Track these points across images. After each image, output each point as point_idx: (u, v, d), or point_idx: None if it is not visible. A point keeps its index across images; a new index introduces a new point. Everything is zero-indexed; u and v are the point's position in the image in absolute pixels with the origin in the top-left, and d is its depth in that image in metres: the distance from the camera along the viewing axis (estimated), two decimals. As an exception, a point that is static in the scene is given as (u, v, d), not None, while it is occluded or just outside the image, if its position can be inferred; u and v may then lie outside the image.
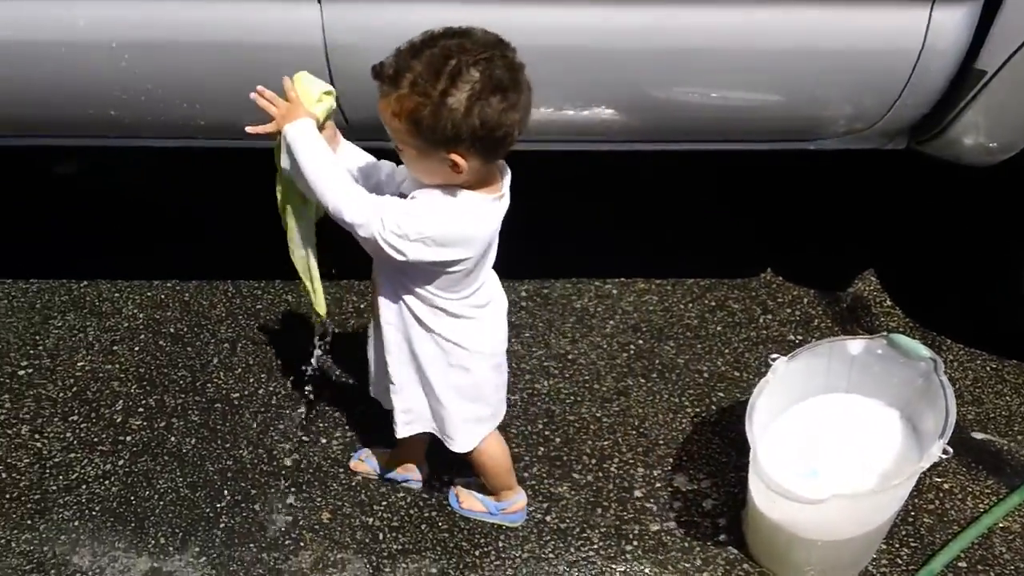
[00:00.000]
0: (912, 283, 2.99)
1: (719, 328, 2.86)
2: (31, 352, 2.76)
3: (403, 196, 1.86)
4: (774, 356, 2.26)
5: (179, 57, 2.24)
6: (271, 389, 2.67)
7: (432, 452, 2.36)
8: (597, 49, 2.24)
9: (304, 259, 2.08)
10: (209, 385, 2.68)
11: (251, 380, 2.69)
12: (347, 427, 2.57)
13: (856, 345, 2.31)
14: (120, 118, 2.34)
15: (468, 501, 2.39)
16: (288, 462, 2.49)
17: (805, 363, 2.29)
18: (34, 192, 3.22)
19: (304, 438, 2.55)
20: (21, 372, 2.70)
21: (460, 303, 1.96)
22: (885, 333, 2.31)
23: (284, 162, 1.88)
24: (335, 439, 2.54)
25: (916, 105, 2.31)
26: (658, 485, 2.47)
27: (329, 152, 1.86)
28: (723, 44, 2.24)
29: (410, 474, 2.43)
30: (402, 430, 2.17)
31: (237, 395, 2.65)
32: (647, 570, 2.29)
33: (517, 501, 2.37)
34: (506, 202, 1.89)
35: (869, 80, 2.30)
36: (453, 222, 1.81)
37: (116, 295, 2.93)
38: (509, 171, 1.89)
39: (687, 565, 2.30)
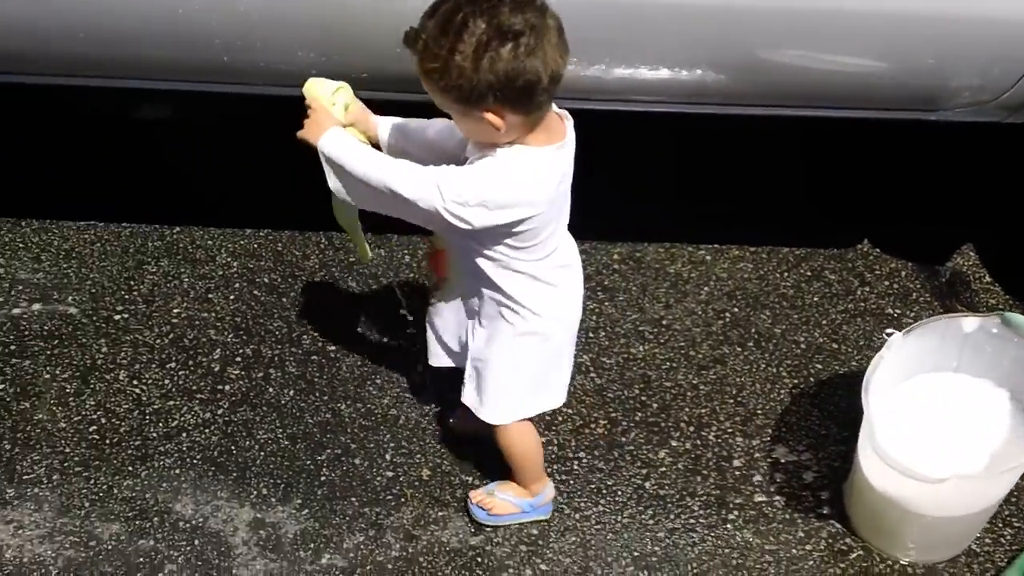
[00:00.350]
0: (1012, 259, 2.91)
1: (816, 299, 2.80)
2: (126, 297, 2.74)
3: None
4: (889, 331, 2.21)
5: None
6: (367, 343, 2.64)
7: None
8: (713, 7, 2.18)
9: (348, 214, 2.02)
10: (305, 337, 2.65)
11: (346, 333, 2.67)
12: (444, 383, 2.54)
13: (971, 323, 2.26)
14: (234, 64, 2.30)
15: (498, 506, 2.26)
16: (387, 417, 2.47)
17: (918, 339, 2.23)
18: (120, 136, 3.18)
19: (402, 393, 2.53)
20: (117, 317, 2.69)
21: (539, 265, 1.88)
22: (1000, 311, 2.25)
23: (331, 182, 1.81)
24: (432, 395, 2.52)
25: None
26: (757, 456, 2.43)
27: (365, 148, 1.81)
28: (849, 6, 2.17)
29: None
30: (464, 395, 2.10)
31: (333, 348, 2.63)
32: (750, 540, 2.26)
33: (547, 492, 2.27)
34: (570, 151, 1.79)
35: (999, 50, 2.23)
36: (511, 181, 1.72)
37: (209, 243, 2.90)
38: (570, 118, 1.80)
39: (789, 537, 2.27)
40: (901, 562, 2.23)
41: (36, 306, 2.70)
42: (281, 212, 2.94)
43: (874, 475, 2.16)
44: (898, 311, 2.77)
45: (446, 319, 2.09)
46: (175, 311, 2.71)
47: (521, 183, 1.73)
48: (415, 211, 1.74)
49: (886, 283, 2.85)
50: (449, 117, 1.79)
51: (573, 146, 1.80)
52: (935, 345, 2.28)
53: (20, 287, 2.75)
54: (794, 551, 2.25)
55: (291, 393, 2.52)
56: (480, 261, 1.86)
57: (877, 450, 2.04)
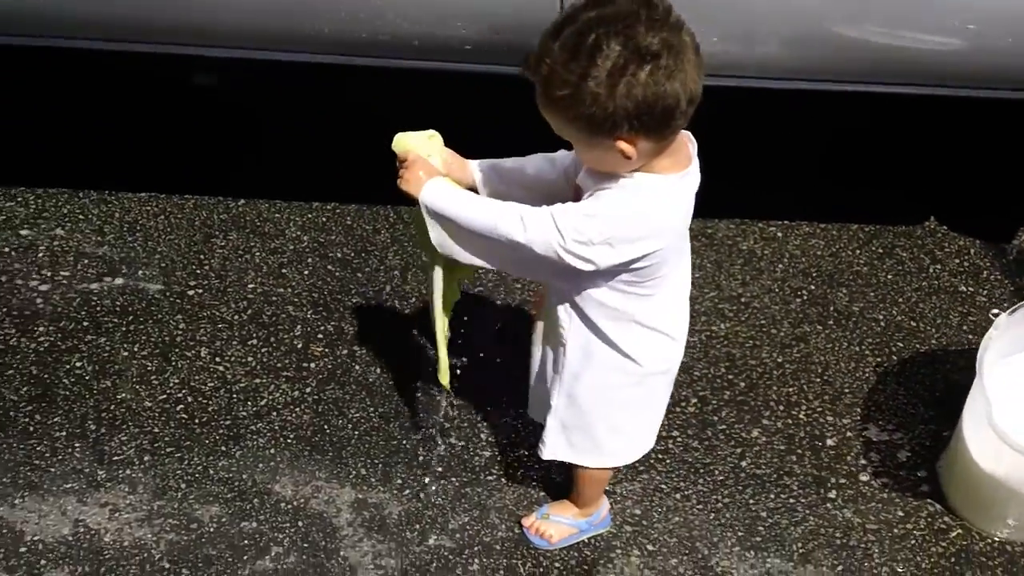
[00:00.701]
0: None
1: (890, 276, 2.79)
2: (197, 272, 2.66)
3: (569, 177, 1.71)
4: (995, 311, 2.20)
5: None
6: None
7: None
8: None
9: (437, 322, 1.91)
10: (384, 313, 2.59)
11: (426, 311, 2.60)
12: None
13: (1071, 302, 2.26)
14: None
15: (557, 533, 2.16)
16: (480, 396, 2.42)
17: (1020, 319, 2.23)
18: (172, 104, 3.07)
19: (492, 372, 2.48)
20: (191, 292, 2.60)
21: (650, 307, 1.72)
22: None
23: (434, 235, 1.69)
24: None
25: None
26: (850, 435, 2.42)
27: (470, 194, 1.69)
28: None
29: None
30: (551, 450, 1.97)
31: (415, 325, 2.57)
32: (851, 519, 2.25)
33: (604, 506, 2.19)
34: (695, 177, 1.63)
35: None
36: (638, 213, 1.56)
37: (276, 215, 2.82)
38: (694, 141, 1.64)
39: (889, 516, 2.27)
40: (996, 538, 2.24)
41: (106, 281, 2.61)
42: (347, 185, 2.86)
43: (980, 453, 2.16)
44: (971, 289, 2.76)
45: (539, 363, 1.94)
46: (250, 286, 2.63)
47: (649, 215, 1.58)
48: (529, 256, 1.59)
49: (956, 261, 2.84)
50: (553, 149, 1.68)
51: (698, 172, 1.65)
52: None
53: (86, 260, 2.66)
54: (895, 530, 2.24)
55: (377, 371, 2.46)
56: (585, 305, 1.71)
57: (995, 428, 2.03)
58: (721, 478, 2.32)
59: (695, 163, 1.64)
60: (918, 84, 2.47)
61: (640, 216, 1.58)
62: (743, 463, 2.35)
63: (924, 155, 3.14)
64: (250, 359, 2.47)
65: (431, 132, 1.76)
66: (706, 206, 2.83)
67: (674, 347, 1.85)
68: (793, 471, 2.34)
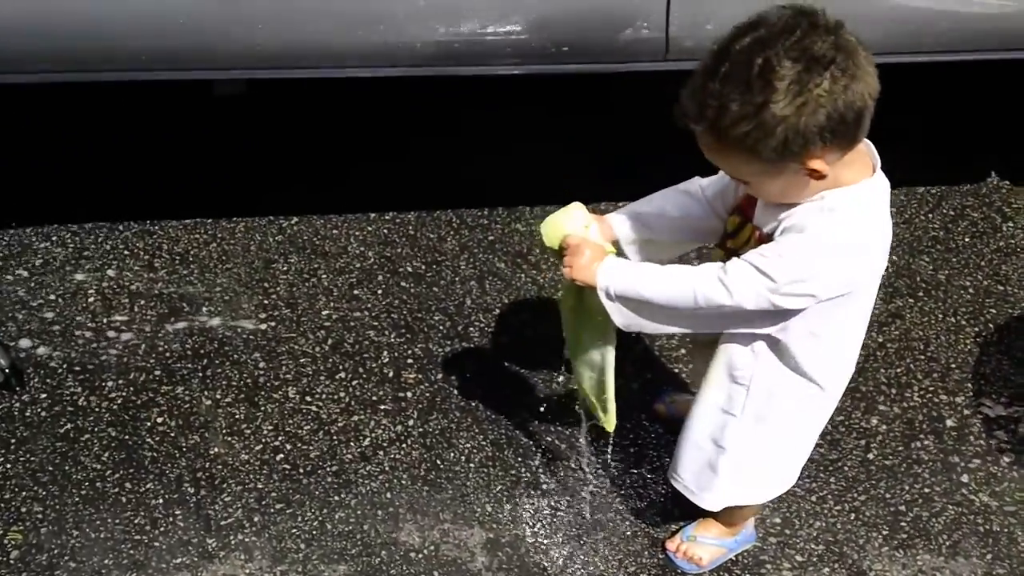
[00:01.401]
0: None
1: (967, 239, 2.65)
2: (265, 303, 2.39)
3: (717, 212, 1.58)
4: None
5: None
6: (538, 330, 2.37)
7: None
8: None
9: (594, 378, 1.71)
10: (472, 330, 2.37)
11: (513, 321, 2.39)
12: (655, 371, 2.30)
13: None
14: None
15: (708, 554, 1.96)
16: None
17: None
18: (194, 117, 2.78)
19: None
20: (263, 326, 2.35)
21: (845, 328, 1.56)
22: None
23: (620, 319, 1.51)
24: (634, 381, 2.28)
25: None
26: (967, 412, 2.28)
27: (650, 267, 1.51)
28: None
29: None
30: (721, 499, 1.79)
31: (506, 339, 2.35)
32: (988, 503, 2.12)
33: (750, 522, 2.01)
34: (885, 182, 1.46)
35: None
36: (845, 234, 1.41)
37: (334, 231, 2.56)
38: (871, 144, 1.46)
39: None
40: None
41: (169, 322, 2.34)
42: (402, 192, 2.61)
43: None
44: (1047, 245, 2.64)
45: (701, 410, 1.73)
46: (324, 313, 2.38)
47: (856, 229, 1.42)
48: (735, 314, 1.45)
49: (1027, 217, 2.71)
50: (708, 172, 1.51)
51: (885, 176, 1.47)
52: None
53: (142, 301, 2.37)
54: (1035, 509, 2.13)
55: (480, 393, 2.24)
56: (780, 340, 1.53)
57: None
58: (852, 474, 2.16)
59: (879, 166, 1.46)
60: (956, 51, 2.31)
61: (848, 234, 1.41)
62: (870, 455, 2.20)
63: (970, 113, 2.99)
64: (342, 394, 2.23)
65: (575, 205, 1.58)
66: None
67: (852, 366, 1.67)
68: (921, 458, 2.20)
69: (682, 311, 1.48)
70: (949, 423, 2.26)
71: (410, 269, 2.48)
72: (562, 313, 1.69)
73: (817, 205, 1.41)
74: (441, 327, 2.36)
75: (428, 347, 2.31)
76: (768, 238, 1.47)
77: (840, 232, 1.41)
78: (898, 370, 2.35)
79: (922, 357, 2.38)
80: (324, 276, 2.45)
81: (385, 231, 2.56)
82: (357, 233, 2.54)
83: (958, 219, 2.69)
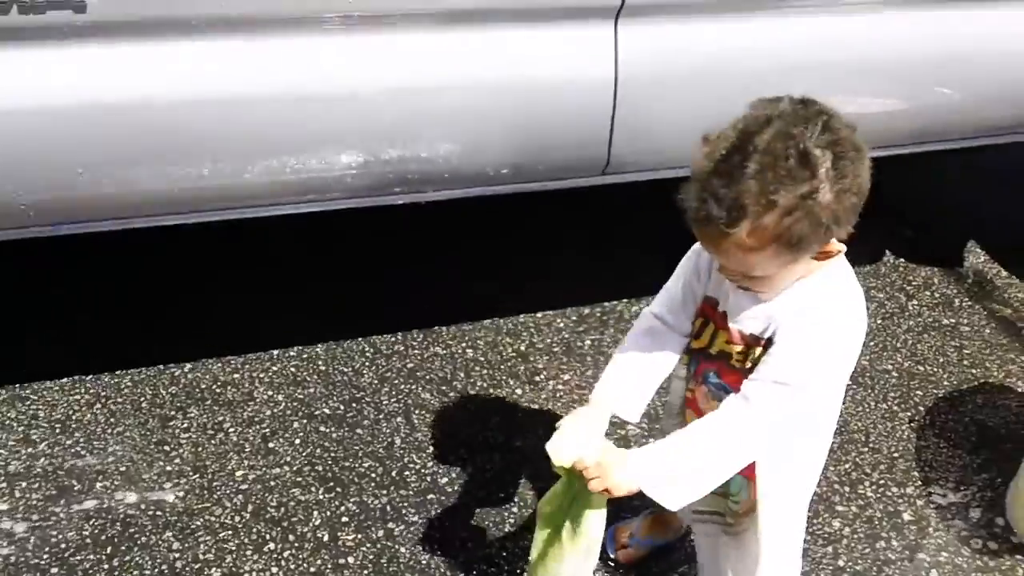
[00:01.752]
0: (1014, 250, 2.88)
1: (879, 321, 2.63)
2: (168, 469, 2.08)
3: (686, 329, 1.54)
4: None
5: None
6: (481, 464, 2.16)
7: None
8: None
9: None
10: (408, 473, 2.13)
11: (452, 458, 2.17)
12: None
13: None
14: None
15: None
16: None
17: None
18: (49, 263, 2.44)
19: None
20: (170, 498, 2.03)
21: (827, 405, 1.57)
22: None
23: (672, 505, 1.41)
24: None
25: None
26: (919, 503, 2.21)
27: (674, 443, 1.42)
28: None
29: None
30: None
31: (446, 480, 2.12)
32: (965, 600, 2.05)
33: None
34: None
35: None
36: (848, 302, 1.43)
37: (235, 376, 2.27)
38: None
39: (995, 584, 2.08)
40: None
41: (59, 505, 1.99)
42: (302, 323, 2.36)
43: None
44: (951, 320, 2.65)
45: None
46: (238, 474, 2.09)
47: (856, 295, 1.44)
48: (768, 438, 1.43)
49: (927, 293, 2.72)
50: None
51: None
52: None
53: (23, 484, 2.02)
54: (1008, 598, 2.06)
55: (430, 546, 2.00)
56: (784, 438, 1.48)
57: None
58: (826, 584, 2.05)
59: None
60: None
61: (851, 301, 1.43)
62: (839, 562, 2.09)
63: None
64: (275, 570, 1.93)
65: (565, 425, 1.45)
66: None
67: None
68: (889, 559, 2.10)
69: (717, 468, 1.40)
70: (906, 516, 2.18)
71: (327, 411, 2.22)
72: (538, 521, 1.54)
73: (814, 282, 1.39)
74: (373, 475, 2.11)
75: (362, 500, 2.06)
76: (755, 338, 1.42)
77: (843, 304, 1.42)
78: (846, 466, 2.27)
79: (865, 449, 2.31)
80: (232, 430, 2.15)
81: (292, 369, 2.29)
82: (261, 375, 2.27)
83: (866, 301, 2.65)
